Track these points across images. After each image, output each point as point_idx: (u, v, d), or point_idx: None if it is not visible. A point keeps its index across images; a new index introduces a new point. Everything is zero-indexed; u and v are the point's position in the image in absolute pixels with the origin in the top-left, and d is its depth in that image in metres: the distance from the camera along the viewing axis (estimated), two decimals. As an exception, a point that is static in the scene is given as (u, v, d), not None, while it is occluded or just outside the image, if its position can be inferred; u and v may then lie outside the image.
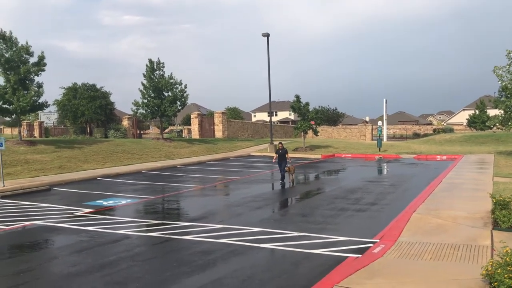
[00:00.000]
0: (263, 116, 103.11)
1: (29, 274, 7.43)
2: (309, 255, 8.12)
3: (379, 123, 41.05)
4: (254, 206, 13.26)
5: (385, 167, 24.79)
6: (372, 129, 57.31)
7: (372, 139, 52.14)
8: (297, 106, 34.24)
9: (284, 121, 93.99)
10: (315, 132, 35.45)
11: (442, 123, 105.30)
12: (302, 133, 35.21)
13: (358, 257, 7.77)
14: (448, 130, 70.55)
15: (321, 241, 9.04)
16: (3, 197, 15.22)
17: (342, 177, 20.67)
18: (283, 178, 17.91)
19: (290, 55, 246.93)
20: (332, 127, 65.17)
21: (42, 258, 8.51)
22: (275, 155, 18.71)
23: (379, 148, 33.31)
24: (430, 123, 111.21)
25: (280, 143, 19.18)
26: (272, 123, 42.10)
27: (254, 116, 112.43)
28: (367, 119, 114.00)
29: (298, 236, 9.48)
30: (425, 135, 64.07)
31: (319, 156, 30.69)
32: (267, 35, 34.54)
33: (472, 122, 62.85)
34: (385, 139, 44.80)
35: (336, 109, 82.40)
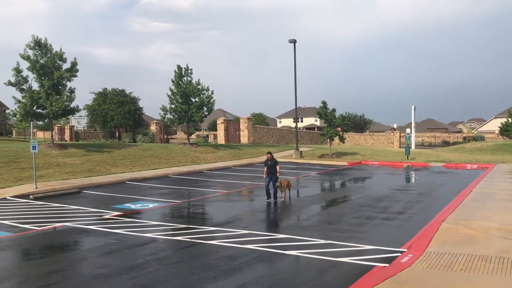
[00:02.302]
0: (289, 122, 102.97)
1: (60, 274, 7.62)
2: (335, 263, 8.04)
3: (407, 130, 40.40)
4: (280, 212, 13.23)
5: (413, 175, 24.34)
6: (400, 136, 56.46)
7: (400, 147, 51.33)
8: (323, 112, 34.06)
9: (310, 128, 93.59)
10: (342, 139, 35.15)
11: (473, 131, 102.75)
12: (329, 140, 34.98)
13: (386, 266, 7.65)
14: (479, 138, 68.80)
15: (347, 249, 8.93)
16: (36, 198, 15.68)
17: (369, 185, 20.40)
18: (274, 194, 14.97)
19: (317, 61, 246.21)
20: (359, 134, 64.50)
21: (72, 259, 8.72)
22: (265, 169, 15.40)
23: (407, 156, 32.75)
24: (460, 131, 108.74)
25: (268, 152, 15.70)
26: (298, 129, 42.00)
27: (280, 122, 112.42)
28: (395, 126, 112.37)
29: (324, 243, 9.40)
30: (455, 143, 62.65)
31: (346, 163, 30.40)
32: (293, 41, 34.56)
33: (504, 130, 61.16)
34: (413, 146, 44.01)
35: (363, 115, 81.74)
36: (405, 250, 8.69)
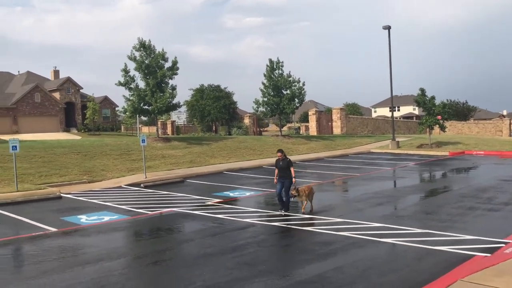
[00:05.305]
0: (384, 112, 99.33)
1: (172, 252, 8.55)
2: (432, 251, 7.94)
3: (518, 117, 37.02)
4: (375, 202, 13.16)
5: (524, 165, 22.41)
6: (510, 123, 51.79)
7: (510, 135, 47.16)
8: (421, 100, 32.56)
9: (408, 116, 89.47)
10: (442, 128, 33.31)
11: None
12: (428, 129, 33.33)
13: (487, 256, 7.40)
14: None
15: (445, 238, 8.74)
16: (146, 187, 17.31)
17: (472, 176, 19.27)
18: (287, 204, 11.85)
19: (412, 47, 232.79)
20: (462, 122, 60.32)
21: (180, 239, 9.68)
22: (275, 171, 12.08)
23: (518, 145, 30.09)
24: None
25: (279, 151, 12.23)
26: (394, 119, 40.57)
27: (375, 111, 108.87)
28: (505, 113, 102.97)
29: (421, 232, 9.27)
30: None
31: (447, 153, 28.82)
32: (388, 28, 33.45)
33: None
34: (525, 134, 40.18)
35: (466, 102, 76.25)
36: (510, 241, 8.28)
